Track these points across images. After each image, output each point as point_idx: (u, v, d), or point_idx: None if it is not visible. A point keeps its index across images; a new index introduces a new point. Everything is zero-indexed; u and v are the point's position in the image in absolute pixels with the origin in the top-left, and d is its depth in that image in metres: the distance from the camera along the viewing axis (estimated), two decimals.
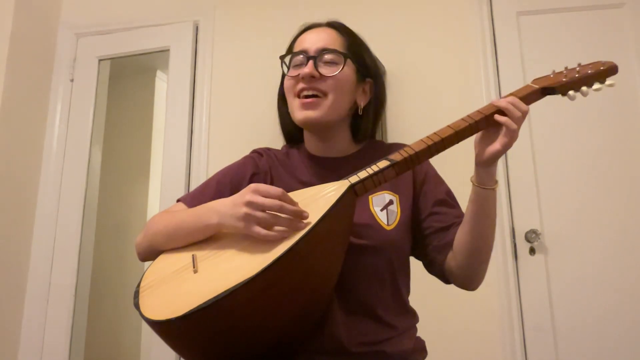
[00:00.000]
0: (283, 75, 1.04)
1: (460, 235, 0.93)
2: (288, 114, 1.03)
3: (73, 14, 2.68)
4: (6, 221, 2.28)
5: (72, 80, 2.60)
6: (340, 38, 1.01)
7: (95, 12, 2.67)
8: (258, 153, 1.08)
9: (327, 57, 0.97)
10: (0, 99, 2.26)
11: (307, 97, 0.96)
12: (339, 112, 0.99)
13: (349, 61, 0.98)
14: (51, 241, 2.41)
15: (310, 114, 0.95)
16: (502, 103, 0.86)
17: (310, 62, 0.95)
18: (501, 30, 2.29)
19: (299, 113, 0.97)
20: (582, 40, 2.21)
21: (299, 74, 0.96)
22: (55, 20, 2.65)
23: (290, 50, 1.03)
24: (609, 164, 2.10)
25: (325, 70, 0.96)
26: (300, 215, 0.80)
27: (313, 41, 0.99)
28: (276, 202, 0.79)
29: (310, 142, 1.05)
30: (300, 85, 0.96)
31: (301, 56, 0.98)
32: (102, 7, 2.68)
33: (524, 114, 0.85)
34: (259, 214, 0.79)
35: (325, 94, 0.96)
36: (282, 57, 1.02)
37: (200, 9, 2.56)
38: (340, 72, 0.96)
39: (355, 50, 1.02)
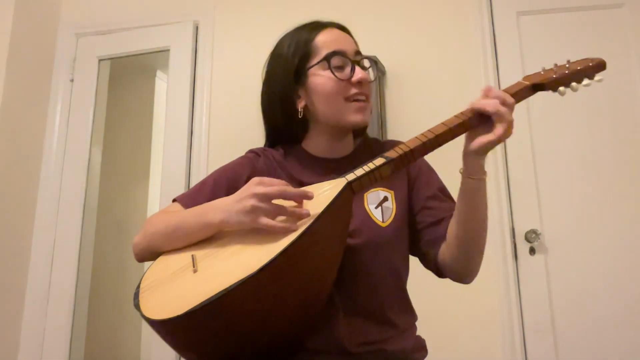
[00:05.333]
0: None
1: (453, 228, 0.92)
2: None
3: (73, 14, 2.68)
4: (6, 221, 2.28)
5: (72, 80, 2.60)
6: (355, 40, 1.04)
7: (95, 12, 2.68)
8: (255, 153, 1.06)
9: (366, 62, 1.02)
10: (0, 99, 2.26)
11: (360, 101, 0.98)
12: None
13: None
14: (51, 241, 2.41)
15: (367, 117, 1.00)
16: (490, 108, 0.83)
17: (360, 68, 0.98)
18: (501, 30, 2.29)
19: (354, 116, 0.98)
20: (582, 40, 2.21)
21: (356, 78, 0.97)
22: (55, 20, 2.65)
23: (320, 51, 0.99)
24: (609, 163, 2.10)
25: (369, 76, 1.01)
26: (305, 196, 0.81)
27: (347, 44, 1.00)
28: (280, 187, 0.80)
29: (321, 143, 1.03)
30: (355, 90, 0.97)
31: (343, 58, 0.98)
32: (102, 7, 2.68)
33: (510, 106, 0.83)
34: (265, 205, 0.79)
35: (368, 99, 1.00)
36: (328, 57, 0.97)
37: (200, 9, 2.56)
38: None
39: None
